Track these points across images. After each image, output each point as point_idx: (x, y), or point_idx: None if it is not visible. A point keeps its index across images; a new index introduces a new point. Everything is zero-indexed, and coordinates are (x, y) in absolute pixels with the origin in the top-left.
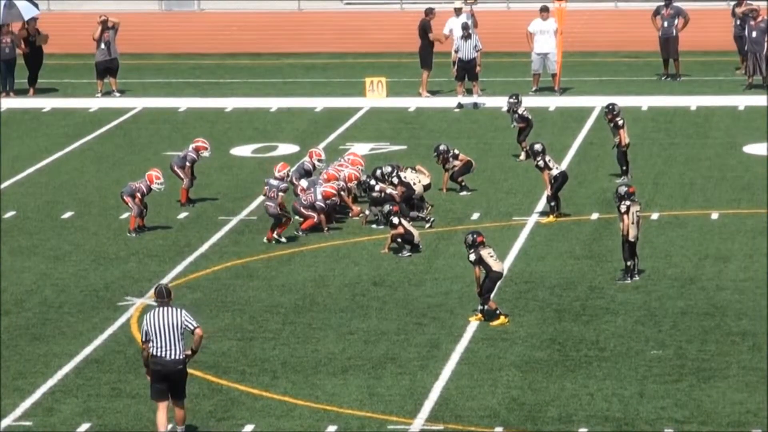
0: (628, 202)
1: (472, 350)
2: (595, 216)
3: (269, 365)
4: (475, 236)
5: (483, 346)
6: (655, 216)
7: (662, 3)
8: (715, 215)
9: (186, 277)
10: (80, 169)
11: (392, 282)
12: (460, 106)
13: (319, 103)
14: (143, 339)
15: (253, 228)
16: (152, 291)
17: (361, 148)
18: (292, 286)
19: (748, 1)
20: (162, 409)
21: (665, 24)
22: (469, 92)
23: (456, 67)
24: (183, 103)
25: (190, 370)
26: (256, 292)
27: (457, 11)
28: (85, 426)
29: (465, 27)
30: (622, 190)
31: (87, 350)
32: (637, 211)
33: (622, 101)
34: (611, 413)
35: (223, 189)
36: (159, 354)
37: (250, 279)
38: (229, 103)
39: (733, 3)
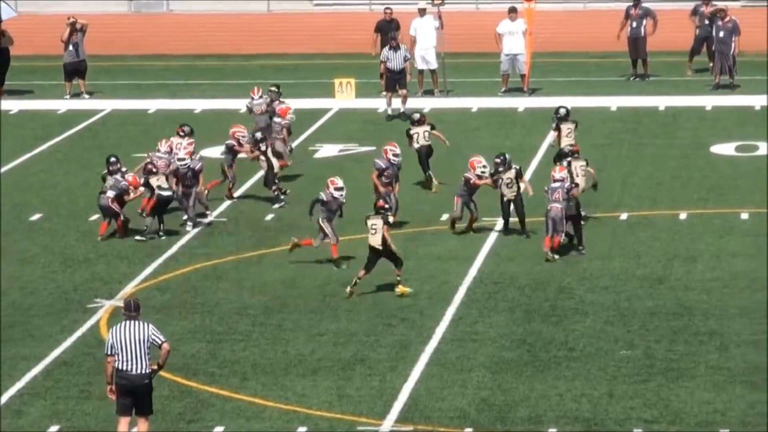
0: (569, 159)
1: (442, 351)
2: None
3: (239, 367)
4: None
5: (452, 347)
6: (623, 216)
7: (631, 3)
8: (683, 215)
9: (155, 279)
10: (49, 171)
11: (362, 283)
12: (390, 118)
13: (289, 104)
14: (107, 352)
15: (222, 230)
16: (123, 292)
17: (330, 149)
18: (262, 287)
19: (714, 2)
20: (124, 423)
21: (634, 24)
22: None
23: (385, 78)
24: (152, 105)
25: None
26: (225, 293)
27: (421, 12)
28: (54, 428)
29: (393, 38)
30: (567, 149)
31: (56, 352)
32: (581, 166)
33: (591, 102)
34: (580, 413)
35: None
36: (124, 368)
37: (219, 280)
38: (199, 105)
39: (695, 3)
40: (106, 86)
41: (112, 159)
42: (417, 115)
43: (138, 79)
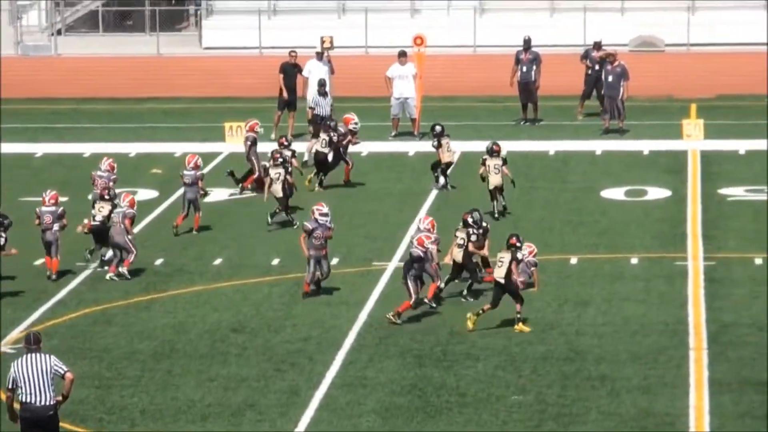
0: (485, 156)
1: (332, 396)
2: None
3: (128, 413)
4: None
5: (342, 392)
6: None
7: (521, 48)
8: (574, 260)
9: (42, 324)
10: None
11: (252, 328)
12: (305, 164)
13: (179, 148)
14: (9, 386)
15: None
16: (8, 338)
17: (219, 194)
18: (151, 332)
19: (604, 47)
20: None
21: (524, 69)
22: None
23: (314, 124)
24: (39, 149)
25: None
26: (114, 338)
27: (319, 55)
28: None
29: (322, 84)
30: (488, 146)
31: None
32: (496, 165)
33: (482, 146)
34: None
35: (81, 235)
36: (28, 400)
37: (108, 325)
38: (87, 149)
39: (587, 47)
40: None
41: None
42: (334, 122)
43: (25, 123)
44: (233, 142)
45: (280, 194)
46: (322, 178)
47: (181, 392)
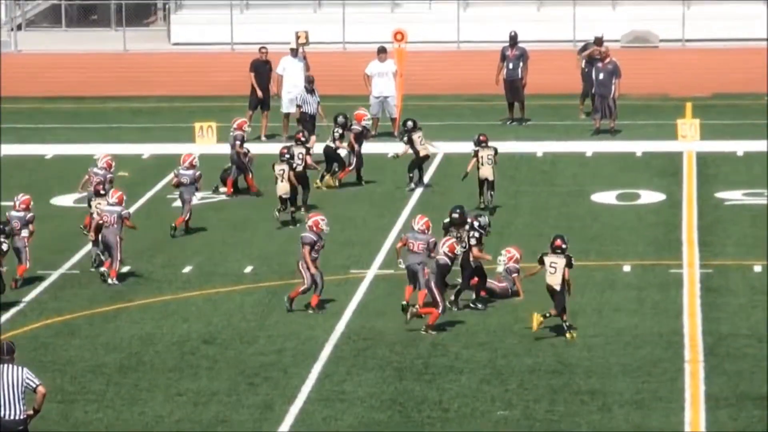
0: (477, 148)
1: (308, 412)
2: None
3: (92, 429)
4: None
5: (319, 407)
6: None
7: (507, 43)
8: None
9: (1, 336)
10: None
11: (223, 340)
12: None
13: (147, 150)
14: None
15: (75, 282)
16: None
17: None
18: (118, 344)
19: (606, 42)
20: None
21: (510, 65)
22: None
23: (303, 122)
24: None
25: None
26: (78, 351)
27: (293, 51)
28: None
29: (309, 81)
30: (474, 138)
31: None
32: (488, 155)
33: (466, 147)
34: None
35: (43, 241)
36: None
37: (71, 337)
38: (50, 150)
39: (582, 42)
40: None
41: None
42: (342, 119)
43: None
44: (203, 143)
45: (287, 193)
46: (331, 170)
47: (148, 407)
